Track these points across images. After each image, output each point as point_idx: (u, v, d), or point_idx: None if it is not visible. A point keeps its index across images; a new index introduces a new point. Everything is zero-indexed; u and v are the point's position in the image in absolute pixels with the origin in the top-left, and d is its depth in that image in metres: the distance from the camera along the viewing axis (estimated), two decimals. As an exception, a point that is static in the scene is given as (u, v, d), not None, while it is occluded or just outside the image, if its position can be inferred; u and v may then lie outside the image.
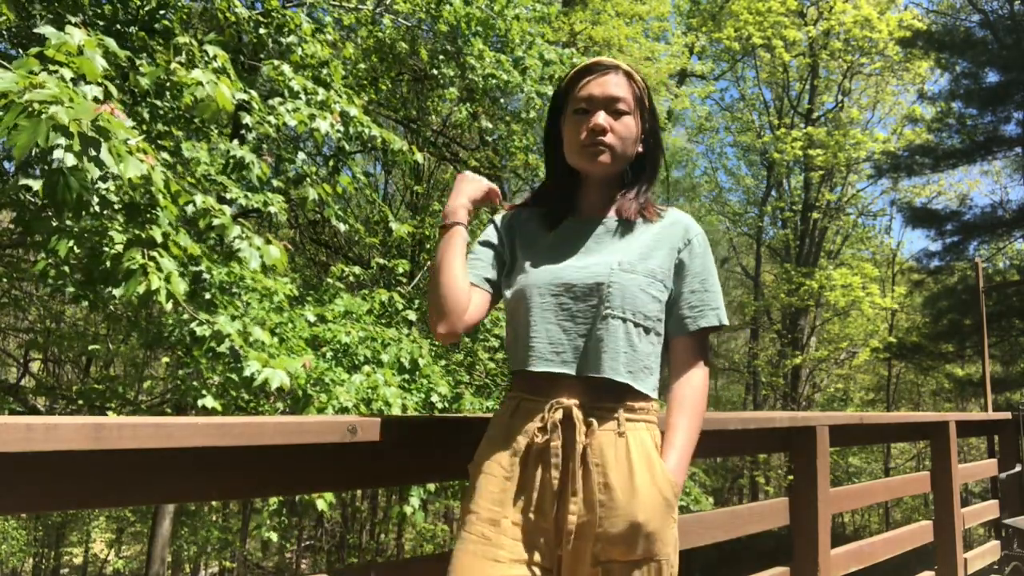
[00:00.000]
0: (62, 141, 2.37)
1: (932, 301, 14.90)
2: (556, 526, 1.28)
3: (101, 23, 4.47)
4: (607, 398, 1.32)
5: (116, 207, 3.27)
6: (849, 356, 18.79)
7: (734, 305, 19.97)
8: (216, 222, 3.61)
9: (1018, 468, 4.49)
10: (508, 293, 1.41)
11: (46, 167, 2.43)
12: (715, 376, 22.16)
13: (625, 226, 1.43)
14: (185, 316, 3.95)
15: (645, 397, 1.36)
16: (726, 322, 1.44)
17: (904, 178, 16.76)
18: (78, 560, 18.63)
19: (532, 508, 1.28)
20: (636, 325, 1.34)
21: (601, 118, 1.38)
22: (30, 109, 2.34)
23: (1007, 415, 4.63)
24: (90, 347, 8.22)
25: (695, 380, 1.42)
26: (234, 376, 3.77)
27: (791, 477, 13.65)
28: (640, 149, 1.46)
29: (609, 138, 1.39)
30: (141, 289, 2.95)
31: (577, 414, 1.29)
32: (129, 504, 1.29)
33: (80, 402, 6.32)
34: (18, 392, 7.14)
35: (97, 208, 3.07)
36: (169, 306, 3.13)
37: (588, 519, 1.27)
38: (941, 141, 14.81)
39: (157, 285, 2.99)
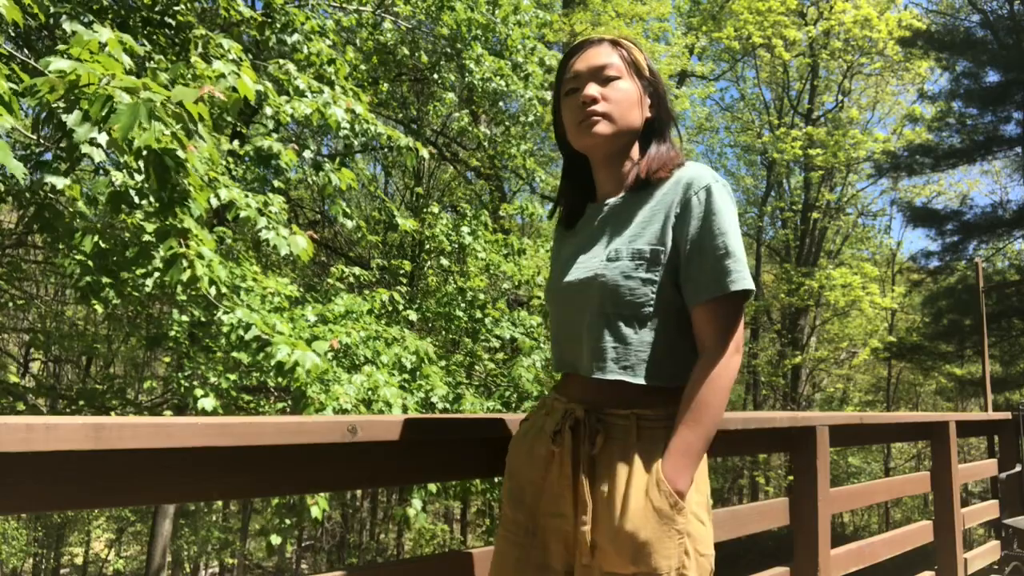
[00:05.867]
0: (157, 124, 2.40)
1: (932, 301, 14.89)
2: (574, 536, 1.27)
3: (111, 17, 4.48)
4: (617, 401, 1.26)
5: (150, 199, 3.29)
6: (849, 356, 18.77)
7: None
8: (243, 214, 3.66)
9: (1018, 468, 4.48)
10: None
11: (143, 149, 2.45)
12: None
13: (629, 201, 1.34)
14: (182, 317, 3.95)
15: (661, 391, 1.25)
16: (739, 287, 1.22)
17: (904, 178, 16.75)
18: (78, 560, 18.62)
19: (555, 513, 1.28)
20: (620, 317, 1.26)
21: (591, 89, 1.30)
22: (112, 97, 2.37)
23: (1007, 415, 4.62)
24: (92, 345, 8.23)
25: (705, 367, 1.22)
26: (264, 362, 3.80)
27: (791, 477, 13.65)
28: (648, 114, 1.35)
29: (601, 106, 1.30)
30: (185, 277, 2.98)
31: (587, 423, 1.27)
32: (129, 504, 1.29)
33: (80, 402, 6.32)
34: (18, 392, 7.14)
35: (136, 199, 3.10)
36: (213, 291, 3.16)
37: (598, 530, 1.24)
38: (941, 141, 14.79)
39: (202, 272, 3.03)
